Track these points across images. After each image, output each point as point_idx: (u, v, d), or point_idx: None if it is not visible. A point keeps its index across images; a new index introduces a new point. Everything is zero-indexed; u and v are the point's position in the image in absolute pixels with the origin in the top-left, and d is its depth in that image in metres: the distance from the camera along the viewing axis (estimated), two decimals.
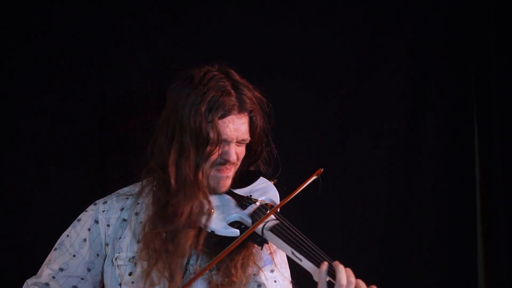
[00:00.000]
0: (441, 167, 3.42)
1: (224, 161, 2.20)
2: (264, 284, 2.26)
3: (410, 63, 3.40)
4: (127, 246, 2.25)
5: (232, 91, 2.18)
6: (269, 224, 2.18)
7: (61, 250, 2.29)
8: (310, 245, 2.13)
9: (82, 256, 2.28)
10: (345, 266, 2.08)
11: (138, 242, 2.24)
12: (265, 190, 2.32)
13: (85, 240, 2.29)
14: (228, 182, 2.26)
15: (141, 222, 2.27)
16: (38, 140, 3.13)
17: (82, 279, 2.27)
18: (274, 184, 2.37)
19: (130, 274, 2.22)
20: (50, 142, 3.14)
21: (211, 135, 2.14)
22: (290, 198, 2.17)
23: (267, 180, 2.37)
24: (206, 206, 2.18)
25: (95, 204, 2.37)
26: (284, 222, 2.19)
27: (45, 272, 2.27)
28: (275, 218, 2.20)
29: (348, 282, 1.99)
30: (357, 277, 2.09)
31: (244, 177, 2.31)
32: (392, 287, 3.33)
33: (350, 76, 3.37)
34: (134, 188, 2.37)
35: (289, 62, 3.31)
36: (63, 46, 3.16)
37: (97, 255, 2.28)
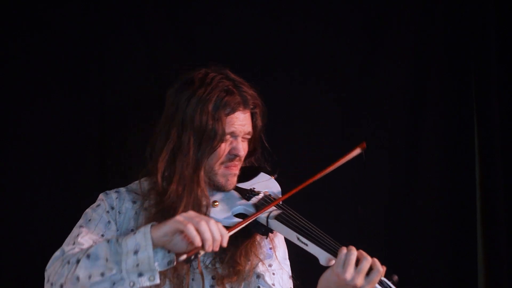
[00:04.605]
0: (441, 166, 3.42)
1: (233, 157, 2.29)
2: (262, 275, 2.34)
3: (410, 63, 3.41)
4: None
5: (234, 89, 2.29)
6: (274, 213, 2.26)
7: (88, 229, 2.28)
8: (315, 230, 2.21)
9: (111, 236, 2.28)
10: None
11: None
12: (267, 185, 2.40)
13: (109, 222, 2.32)
14: (235, 179, 2.35)
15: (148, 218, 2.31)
16: (38, 140, 3.13)
17: None
18: (275, 179, 2.43)
19: None
20: (50, 142, 3.15)
21: (218, 130, 2.24)
22: (325, 172, 2.28)
23: (269, 176, 2.43)
24: (204, 201, 2.22)
25: (107, 193, 2.41)
26: (288, 211, 2.27)
27: (81, 241, 2.22)
28: (278, 208, 2.28)
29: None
30: None
31: (246, 172, 2.39)
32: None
33: (350, 75, 3.38)
34: (140, 186, 2.41)
35: (289, 61, 3.31)
36: (63, 46, 3.16)
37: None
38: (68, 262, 2.11)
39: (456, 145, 3.41)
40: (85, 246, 2.20)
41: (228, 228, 2.11)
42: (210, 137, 2.23)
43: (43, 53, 3.15)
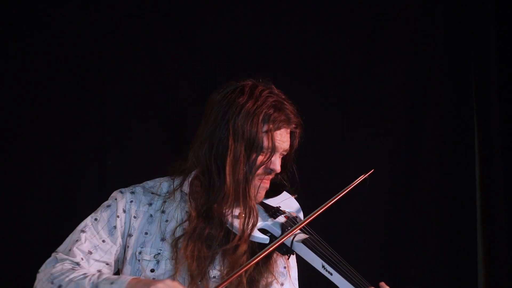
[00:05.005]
0: (441, 167, 3.42)
1: (269, 171, 2.31)
2: None
3: (410, 63, 3.41)
4: (152, 243, 2.30)
5: (281, 106, 2.32)
6: (301, 236, 2.25)
7: (91, 233, 2.30)
8: (341, 260, 2.20)
9: (112, 243, 2.30)
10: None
11: (163, 240, 2.30)
12: (290, 204, 2.41)
13: (115, 227, 2.32)
14: (264, 193, 2.36)
15: (166, 221, 2.32)
16: (38, 140, 3.14)
17: (107, 264, 2.30)
18: (295, 199, 2.45)
19: (152, 270, 2.28)
20: (50, 142, 3.15)
21: (265, 144, 2.27)
22: (335, 199, 2.27)
23: (290, 195, 2.44)
24: (253, 214, 2.28)
25: (122, 192, 2.37)
26: (314, 236, 2.26)
27: (76, 252, 2.26)
28: (304, 232, 2.28)
29: None
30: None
31: (272, 188, 2.41)
32: (392, 287, 3.33)
33: (350, 76, 3.38)
34: (158, 185, 2.40)
35: (289, 61, 3.31)
36: (63, 46, 3.16)
37: (121, 243, 2.31)
38: (52, 282, 2.18)
39: (456, 145, 3.42)
40: (77, 258, 2.24)
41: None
42: (257, 150, 2.27)
43: (43, 53, 3.15)
